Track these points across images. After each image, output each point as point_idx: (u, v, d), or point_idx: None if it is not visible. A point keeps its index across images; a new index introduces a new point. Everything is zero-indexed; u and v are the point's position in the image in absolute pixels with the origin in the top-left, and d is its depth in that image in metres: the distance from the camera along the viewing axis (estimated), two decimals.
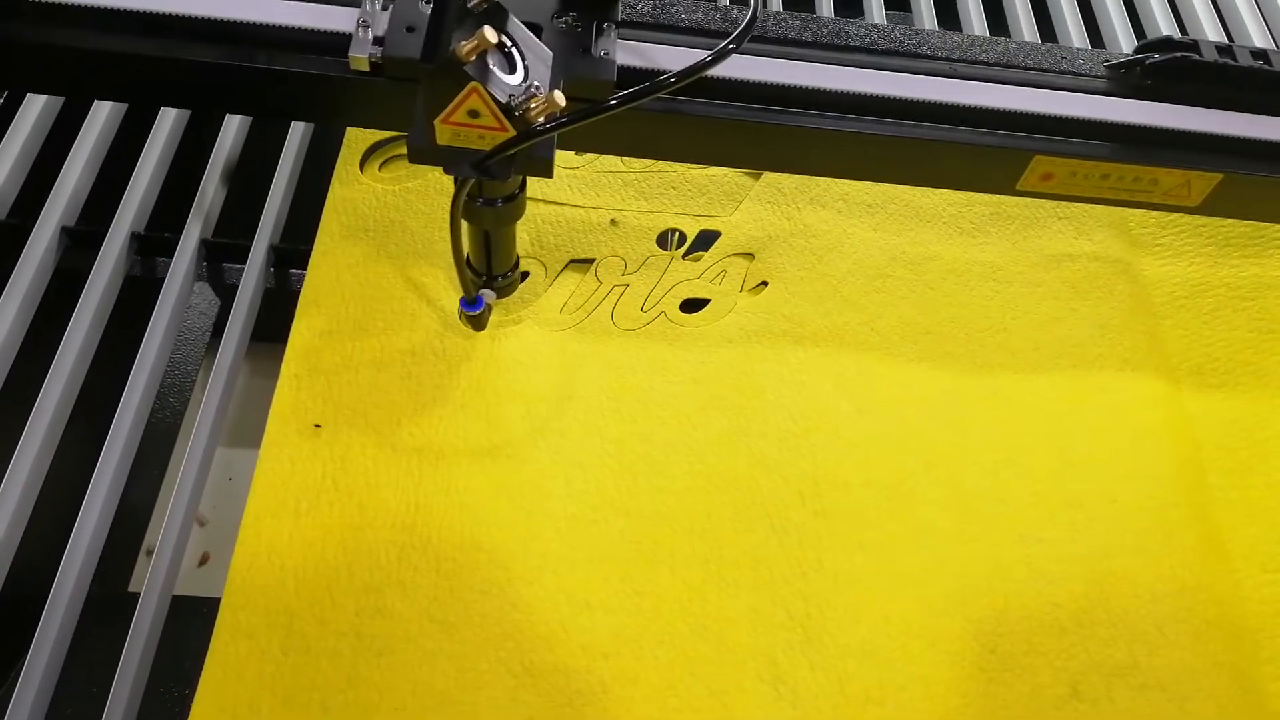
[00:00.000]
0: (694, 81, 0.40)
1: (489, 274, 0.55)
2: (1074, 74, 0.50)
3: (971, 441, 0.59)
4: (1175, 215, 0.71)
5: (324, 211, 0.64)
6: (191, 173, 0.66)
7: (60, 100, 0.67)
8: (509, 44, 0.41)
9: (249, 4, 0.45)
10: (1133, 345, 0.64)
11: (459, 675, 0.49)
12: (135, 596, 0.51)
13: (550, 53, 0.42)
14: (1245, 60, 0.49)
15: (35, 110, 0.65)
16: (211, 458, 0.57)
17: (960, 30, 0.83)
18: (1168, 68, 0.49)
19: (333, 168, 0.66)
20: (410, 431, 0.55)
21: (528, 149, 0.40)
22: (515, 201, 0.48)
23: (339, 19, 0.45)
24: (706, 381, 0.60)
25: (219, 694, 0.47)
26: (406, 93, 0.42)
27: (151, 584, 0.51)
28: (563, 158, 0.69)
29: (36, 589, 0.50)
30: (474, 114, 0.39)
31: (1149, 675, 0.52)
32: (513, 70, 0.40)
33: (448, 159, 0.42)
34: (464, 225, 0.49)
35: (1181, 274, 0.69)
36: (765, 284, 0.64)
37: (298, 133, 0.69)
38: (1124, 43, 0.83)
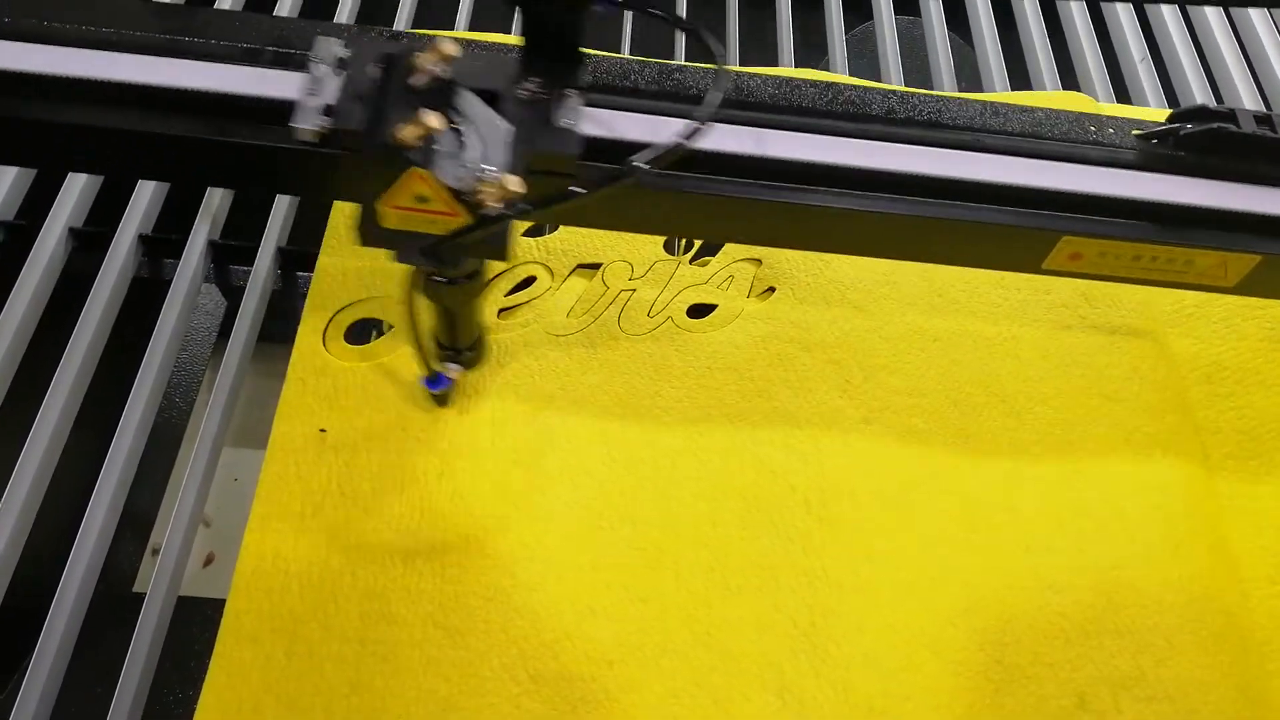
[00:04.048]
0: (680, 158, 0.37)
1: (454, 347, 0.53)
2: (1103, 145, 0.46)
3: (978, 450, 0.59)
4: None
5: (331, 214, 0.64)
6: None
7: None
8: (459, 122, 0.37)
9: (192, 71, 0.41)
10: (1141, 353, 0.63)
11: (463, 681, 0.49)
12: (140, 597, 0.51)
13: (509, 126, 0.38)
14: None
15: None
16: (217, 459, 0.57)
17: (974, 53, 0.81)
18: (1202, 139, 0.45)
19: None
20: (416, 436, 0.55)
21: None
22: (478, 279, 0.45)
23: (285, 85, 0.41)
24: (713, 387, 0.59)
25: (223, 698, 0.47)
26: (361, 165, 0.39)
27: (157, 585, 0.51)
28: None
29: (42, 589, 0.50)
30: (422, 199, 0.37)
31: (1156, 686, 0.52)
32: (464, 149, 0.36)
33: (396, 243, 0.39)
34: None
35: None
36: (772, 290, 0.64)
37: None
38: (1141, 69, 0.81)
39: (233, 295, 0.67)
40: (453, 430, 0.56)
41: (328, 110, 0.38)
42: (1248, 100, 0.81)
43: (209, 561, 0.72)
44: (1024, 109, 0.48)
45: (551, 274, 0.63)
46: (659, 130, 0.42)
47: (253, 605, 0.49)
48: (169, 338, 0.59)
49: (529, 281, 0.63)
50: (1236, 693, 0.52)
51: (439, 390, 0.52)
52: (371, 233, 0.39)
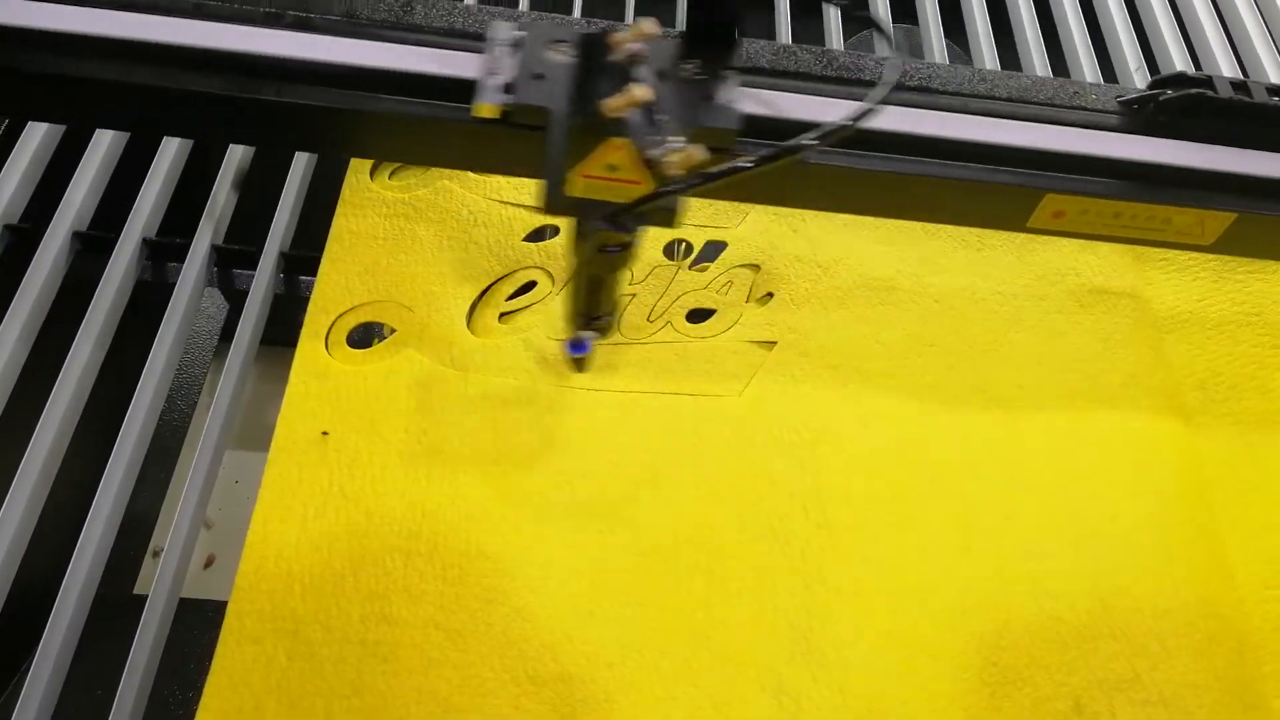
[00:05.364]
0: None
1: (592, 314, 0.53)
2: (1086, 110, 0.48)
3: (975, 455, 0.59)
4: None
5: (334, 219, 0.65)
6: (202, 179, 0.66)
7: None
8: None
9: (370, 50, 0.44)
10: (1137, 360, 0.64)
11: (463, 683, 0.49)
12: (142, 599, 0.51)
13: (684, 101, 0.41)
14: (1261, 97, 0.48)
15: None
16: (220, 461, 0.57)
17: (971, 64, 0.82)
18: (1181, 104, 0.47)
19: (343, 176, 0.67)
20: (417, 439, 0.56)
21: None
22: (632, 248, 0.47)
23: (463, 65, 0.43)
24: (711, 392, 0.60)
25: (224, 700, 0.47)
26: (524, 139, 0.42)
27: (159, 586, 0.51)
28: None
29: (44, 590, 0.50)
30: (613, 167, 0.39)
31: (1151, 690, 0.52)
32: (648, 121, 0.38)
33: (581, 210, 0.41)
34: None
35: (1186, 289, 0.69)
36: (771, 295, 0.65)
37: None
38: (1137, 78, 0.82)
39: (235, 299, 0.67)
40: (453, 433, 0.56)
41: (507, 88, 0.41)
42: (1225, 68, 0.83)
43: (209, 563, 0.72)
44: (1012, 75, 0.50)
45: (552, 279, 0.64)
46: (817, 109, 0.45)
47: (254, 607, 0.50)
48: (172, 341, 0.59)
49: (530, 286, 0.63)
50: (1230, 696, 0.53)
51: (582, 355, 0.53)
52: (558, 201, 0.41)
